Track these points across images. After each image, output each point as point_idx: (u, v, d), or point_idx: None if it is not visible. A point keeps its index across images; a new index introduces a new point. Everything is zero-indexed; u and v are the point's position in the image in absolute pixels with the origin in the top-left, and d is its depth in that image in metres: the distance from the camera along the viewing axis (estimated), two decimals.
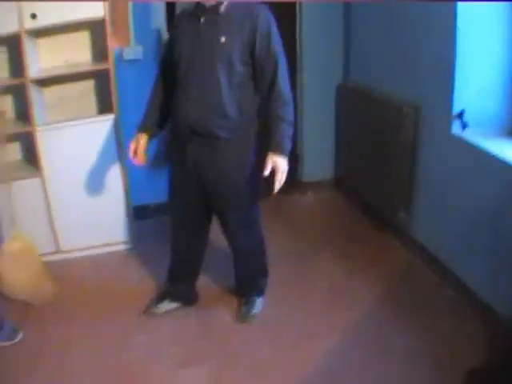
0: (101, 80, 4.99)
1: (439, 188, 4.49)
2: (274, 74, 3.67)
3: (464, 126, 4.17)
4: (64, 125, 4.82)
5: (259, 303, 4.34)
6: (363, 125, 5.47)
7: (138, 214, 5.46)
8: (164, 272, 4.45)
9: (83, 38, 4.95)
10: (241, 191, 3.88)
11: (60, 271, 4.92)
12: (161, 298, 4.40)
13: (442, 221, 4.52)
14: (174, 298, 4.37)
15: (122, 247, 5.30)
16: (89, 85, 5.13)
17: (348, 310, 4.32)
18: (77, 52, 4.94)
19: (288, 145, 3.72)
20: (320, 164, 6.16)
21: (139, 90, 4.97)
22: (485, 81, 4.10)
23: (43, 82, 4.90)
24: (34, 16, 4.45)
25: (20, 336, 4.12)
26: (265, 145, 3.74)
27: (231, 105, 3.65)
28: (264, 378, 3.73)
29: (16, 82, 4.64)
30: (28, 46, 4.54)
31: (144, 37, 5.21)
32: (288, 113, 3.73)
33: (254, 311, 4.29)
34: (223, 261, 4.82)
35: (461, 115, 4.16)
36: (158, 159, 5.39)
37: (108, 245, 5.24)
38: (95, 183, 5.02)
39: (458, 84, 4.10)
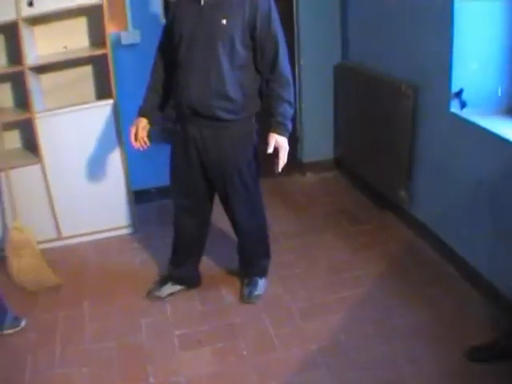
0: (99, 65, 4.98)
1: (439, 166, 4.50)
2: (275, 54, 3.69)
3: (463, 104, 4.17)
4: (63, 111, 4.82)
5: (262, 284, 4.37)
6: (362, 104, 5.47)
7: (138, 198, 5.48)
8: (166, 255, 4.48)
9: (80, 24, 4.94)
10: (242, 170, 3.90)
11: (62, 257, 4.97)
12: (164, 281, 4.43)
13: (442, 198, 4.53)
14: (177, 281, 4.39)
15: (123, 232, 5.31)
16: (87, 70, 5.12)
17: (350, 289, 4.35)
18: (74, 38, 4.93)
19: (289, 124, 3.77)
20: (319, 144, 6.17)
21: (138, 75, 4.97)
22: (483, 60, 4.10)
23: (41, 69, 4.90)
24: (30, 3, 4.45)
25: (23, 323, 4.13)
26: (265, 124, 3.77)
27: (232, 86, 3.66)
28: (268, 358, 3.75)
29: (14, 69, 4.63)
30: (25, 33, 4.53)
31: (141, 21, 5.19)
32: (289, 93, 3.77)
33: (256, 292, 4.31)
34: (225, 243, 4.87)
35: (459, 94, 4.16)
36: (158, 143, 5.41)
37: (109, 230, 5.26)
38: (95, 168, 5.03)
39: (456, 63, 4.10)
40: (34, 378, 3.68)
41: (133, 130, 4.00)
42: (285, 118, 3.74)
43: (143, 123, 4.00)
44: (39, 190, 4.90)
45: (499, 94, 4.16)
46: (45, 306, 4.36)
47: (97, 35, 4.91)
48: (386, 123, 4.97)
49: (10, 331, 4.07)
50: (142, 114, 4.03)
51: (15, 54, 4.65)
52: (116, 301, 4.40)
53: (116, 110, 4.90)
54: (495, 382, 3.41)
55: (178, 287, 4.40)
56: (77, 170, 4.98)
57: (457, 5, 3.96)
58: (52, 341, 4.01)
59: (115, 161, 5.04)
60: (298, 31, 5.78)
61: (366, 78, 5.33)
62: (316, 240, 5.05)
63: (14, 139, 5.10)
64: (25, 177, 4.77)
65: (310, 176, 6.22)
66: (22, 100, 4.81)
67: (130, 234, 5.32)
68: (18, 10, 4.41)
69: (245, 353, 3.80)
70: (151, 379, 3.63)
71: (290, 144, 3.79)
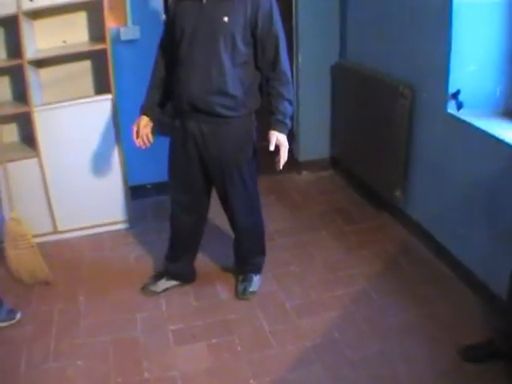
0: (98, 60, 4.98)
1: (435, 167, 4.52)
2: (276, 53, 3.72)
3: (459, 105, 4.18)
4: (61, 105, 4.82)
5: (257, 281, 4.38)
6: (359, 104, 5.49)
7: (134, 193, 5.47)
8: (162, 250, 4.49)
9: (80, 19, 4.94)
10: (242, 167, 3.93)
11: (58, 251, 4.97)
12: (159, 276, 4.44)
13: (438, 199, 4.55)
14: (172, 276, 4.40)
15: (119, 227, 5.32)
16: (86, 65, 5.12)
17: (345, 287, 4.37)
18: (74, 33, 4.93)
19: (289, 122, 3.80)
20: (316, 143, 6.18)
21: (136, 70, 5.02)
22: (480, 61, 4.11)
23: (40, 63, 4.91)
24: None
25: (18, 316, 4.14)
26: (264, 122, 3.79)
27: (233, 83, 3.68)
28: (263, 354, 3.77)
29: (13, 63, 4.63)
30: (25, 27, 4.53)
31: (141, 17, 5.19)
32: (289, 91, 3.81)
33: (251, 288, 4.33)
34: (221, 240, 4.89)
35: (456, 95, 4.18)
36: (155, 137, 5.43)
37: (105, 224, 5.27)
38: (92, 163, 5.03)
39: (453, 64, 4.11)
40: (29, 371, 3.69)
41: (134, 128, 4.02)
42: (285, 116, 3.77)
43: (144, 121, 4.01)
44: (36, 184, 4.90)
45: (498, 94, 4.18)
46: (40, 300, 4.37)
47: (96, 30, 4.91)
48: (383, 123, 4.98)
49: (4, 324, 4.08)
50: (143, 112, 4.04)
51: (15, 47, 4.65)
52: (111, 295, 4.41)
53: (114, 105, 4.91)
54: (489, 381, 3.42)
55: (173, 282, 4.41)
56: (74, 164, 4.98)
57: (455, 6, 3.97)
58: (47, 334, 4.01)
59: (113, 156, 5.05)
60: (297, 30, 5.80)
61: (364, 77, 5.34)
62: (311, 238, 5.06)
63: (11, 133, 5.10)
64: (22, 170, 4.77)
65: (305, 174, 6.24)
66: (21, 94, 4.81)
67: (126, 229, 5.32)
68: (18, 3, 4.40)
69: (239, 349, 3.82)
70: (146, 374, 3.64)
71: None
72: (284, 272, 4.59)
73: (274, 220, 5.15)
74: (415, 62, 4.63)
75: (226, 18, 3.56)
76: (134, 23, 5.19)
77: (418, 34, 4.53)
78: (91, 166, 5.03)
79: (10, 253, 4.49)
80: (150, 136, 4.03)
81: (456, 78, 4.15)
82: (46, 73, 5.01)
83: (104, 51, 4.74)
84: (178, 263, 4.36)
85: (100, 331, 4.03)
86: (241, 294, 4.32)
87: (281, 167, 3.78)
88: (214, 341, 3.90)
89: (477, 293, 4.14)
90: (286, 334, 3.93)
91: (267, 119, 3.78)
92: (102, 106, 4.90)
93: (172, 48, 3.80)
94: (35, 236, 4.67)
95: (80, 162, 4.99)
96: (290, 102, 3.81)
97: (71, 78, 5.07)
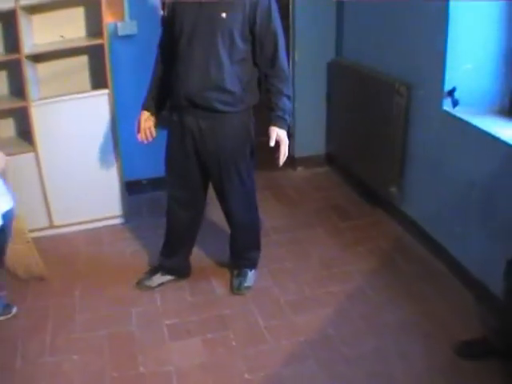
0: (95, 55, 4.98)
1: (430, 164, 4.53)
2: (275, 50, 3.74)
3: (455, 103, 4.19)
4: (58, 100, 4.82)
5: (252, 276, 4.40)
6: (355, 101, 5.50)
7: (131, 189, 5.49)
8: (157, 245, 4.50)
9: (78, 14, 4.94)
10: (239, 163, 3.95)
11: (54, 246, 4.98)
12: (154, 271, 4.45)
13: (433, 196, 4.57)
14: (167, 271, 4.41)
15: (115, 222, 5.33)
16: (83, 60, 5.12)
17: (340, 284, 4.38)
18: (71, 28, 4.94)
19: (289, 118, 3.83)
20: (311, 139, 6.19)
21: (133, 66, 5.03)
22: (477, 59, 4.12)
23: (37, 58, 4.90)
24: None
25: (14, 311, 4.15)
26: (261, 117, 3.81)
27: (231, 79, 3.69)
28: (257, 349, 3.78)
29: (11, 57, 4.64)
30: (23, 22, 4.53)
31: (139, 12, 5.20)
32: (288, 87, 3.85)
33: (246, 283, 4.34)
34: (216, 235, 4.91)
35: (452, 92, 4.19)
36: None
37: (101, 219, 5.28)
38: (89, 158, 5.03)
39: (449, 62, 4.13)
40: (25, 366, 3.69)
41: (137, 123, 4.07)
42: (285, 112, 3.80)
43: (145, 116, 4.05)
44: (32, 179, 4.90)
45: (493, 92, 4.20)
46: (36, 295, 4.37)
47: (94, 25, 4.91)
48: (379, 120, 4.99)
49: (0, 318, 4.08)
50: (144, 107, 4.07)
51: (12, 42, 4.65)
52: (107, 290, 4.41)
53: (111, 101, 4.91)
54: (484, 378, 3.44)
55: (169, 277, 4.43)
56: (70, 159, 4.98)
57: (452, 4, 3.99)
58: (43, 329, 4.02)
59: (109, 151, 5.06)
60: (293, 27, 5.80)
61: (360, 74, 5.35)
62: (306, 235, 5.07)
63: (8, 127, 5.11)
64: (18, 165, 4.77)
65: (301, 171, 6.25)
66: (18, 88, 4.81)
67: (122, 225, 5.33)
68: None
69: (234, 344, 3.83)
70: (141, 368, 3.65)
71: None
72: (279, 268, 4.61)
73: (269, 216, 5.16)
74: (411, 60, 4.64)
75: (224, 15, 3.57)
76: (131, 18, 5.20)
77: (414, 31, 4.54)
78: (88, 160, 5.04)
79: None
80: (153, 130, 4.08)
81: (452, 76, 4.16)
82: (43, 67, 5.01)
83: (101, 46, 4.75)
84: (173, 258, 4.37)
85: (95, 326, 4.04)
86: (236, 288, 4.33)
87: (281, 163, 3.81)
88: (208, 336, 3.91)
89: (472, 290, 4.15)
90: (281, 329, 3.94)
91: (265, 115, 3.80)
92: (99, 101, 4.90)
93: (171, 44, 3.81)
94: (31, 231, 4.65)
95: (76, 157, 5.00)
96: (289, 98, 3.84)
97: (68, 73, 5.07)
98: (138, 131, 4.07)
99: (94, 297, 4.34)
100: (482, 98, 4.22)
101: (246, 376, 3.55)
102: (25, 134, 4.96)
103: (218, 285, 4.43)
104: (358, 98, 5.42)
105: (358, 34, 5.57)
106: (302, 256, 4.77)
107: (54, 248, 4.93)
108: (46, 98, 4.85)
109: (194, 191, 4.11)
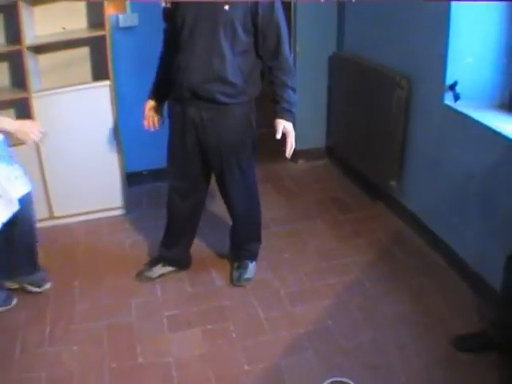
0: (96, 47, 4.99)
1: (430, 158, 4.54)
2: (278, 42, 3.74)
3: (456, 97, 4.19)
4: (59, 91, 4.83)
5: (252, 267, 4.41)
6: (356, 94, 5.50)
7: (130, 180, 5.49)
8: (157, 237, 4.51)
9: (79, 6, 4.94)
10: (240, 154, 3.96)
11: (54, 237, 4.99)
12: (155, 262, 4.46)
13: (433, 190, 4.57)
14: (168, 262, 4.42)
15: (115, 213, 5.33)
16: (84, 52, 5.12)
17: (339, 275, 4.39)
18: (73, 19, 4.94)
19: (295, 110, 3.87)
20: (312, 132, 6.18)
21: (134, 58, 5.03)
22: (478, 53, 4.12)
23: (39, 49, 4.91)
24: None
25: (14, 302, 4.16)
26: (264, 109, 3.82)
27: (233, 71, 3.69)
28: (257, 340, 3.80)
29: (12, 48, 4.64)
30: (25, 13, 4.54)
31: (140, 4, 5.19)
32: (293, 80, 3.86)
33: (246, 275, 4.35)
34: (217, 227, 4.92)
35: (453, 86, 4.19)
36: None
37: (102, 210, 5.29)
38: (89, 149, 5.03)
39: (451, 56, 4.13)
40: (24, 356, 3.71)
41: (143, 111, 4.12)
42: (290, 104, 3.83)
43: (150, 105, 4.09)
44: (33, 170, 4.87)
45: (494, 87, 4.20)
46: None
47: (95, 17, 4.92)
48: (380, 113, 5.00)
49: (1, 309, 4.09)
50: (149, 96, 4.11)
51: (13, 33, 4.66)
52: (106, 281, 4.43)
53: (112, 92, 4.91)
54: (481, 371, 3.45)
55: (169, 268, 4.44)
56: (71, 150, 4.99)
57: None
58: (42, 319, 4.03)
59: (110, 142, 5.06)
60: (295, 20, 5.80)
61: (361, 68, 5.34)
62: (306, 227, 5.09)
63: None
64: (19, 156, 4.76)
65: (301, 163, 6.25)
66: (19, 79, 4.80)
67: (122, 216, 5.34)
68: None
69: (234, 335, 3.85)
70: (140, 359, 3.67)
71: None
72: (279, 260, 4.62)
73: (269, 208, 5.14)
74: (413, 53, 4.64)
75: (226, 7, 3.57)
76: (132, 11, 5.19)
77: (416, 25, 4.54)
78: (88, 152, 5.04)
79: None
80: (155, 119, 4.12)
81: (453, 70, 4.16)
82: (44, 59, 5.01)
83: (103, 38, 4.75)
84: (173, 249, 4.38)
85: (95, 316, 4.06)
86: (236, 280, 4.34)
87: (289, 155, 3.85)
88: (208, 327, 3.93)
89: (470, 284, 4.17)
90: (280, 320, 3.96)
91: (265, 107, 3.80)
92: (100, 93, 4.91)
93: (173, 35, 3.81)
94: None
95: (77, 148, 5.01)
96: (294, 90, 3.86)
97: (70, 65, 5.08)
98: (144, 118, 4.11)
99: (94, 287, 4.36)
100: (483, 92, 4.22)
101: (246, 367, 3.57)
102: None
103: (218, 276, 4.45)
104: (359, 92, 5.42)
105: (359, 27, 5.57)
106: (302, 248, 4.78)
107: (54, 239, 4.95)
108: (47, 90, 4.85)
109: (195, 182, 4.12)
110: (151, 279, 4.39)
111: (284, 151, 3.85)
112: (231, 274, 4.41)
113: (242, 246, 4.42)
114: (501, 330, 3.48)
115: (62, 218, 5.19)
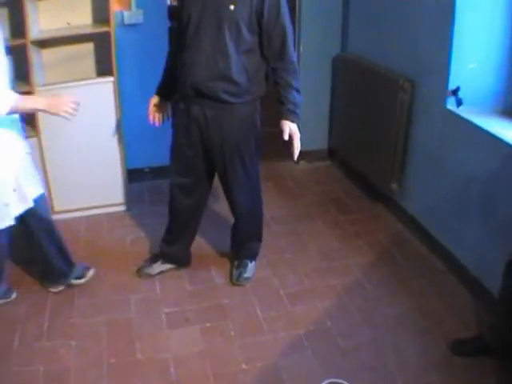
0: (100, 43, 4.99)
1: (432, 161, 4.54)
2: (283, 43, 3.74)
3: (459, 102, 4.20)
4: (63, 86, 4.81)
5: (252, 267, 4.42)
6: (358, 96, 5.50)
7: (132, 177, 5.49)
8: (157, 233, 4.52)
9: (84, 1, 4.95)
10: (244, 153, 3.96)
11: None
12: (155, 258, 4.47)
13: (433, 193, 4.58)
14: (168, 260, 4.43)
15: (116, 209, 5.34)
16: (88, 47, 5.13)
17: (339, 276, 4.41)
18: (78, 15, 4.95)
19: (299, 112, 3.87)
20: (314, 133, 6.17)
21: (138, 54, 5.03)
22: (481, 59, 4.13)
23: (43, 44, 4.92)
24: None
25: (14, 295, 4.17)
26: (269, 109, 3.83)
27: (238, 70, 3.69)
28: (255, 339, 3.81)
29: (16, 42, 4.63)
30: (29, 7, 4.54)
31: (145, 1, 5.19)
32: (297, 81, 3.86)
33: (246, 274, 4.36)
34: (217, 225, 4.94)
35: (456, 91, 4.19)
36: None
37: (103, 206, 5.29)
38: (91, 145, 5.04)
39: (454, 60, 4.13)
40: (22, 349, 3.72)
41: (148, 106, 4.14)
42: (295, 106, 3.83)
43: (155, 100, 4.11)
44: (34, 164, 4.89)
45: (498, 92, 4.21)
46: (35, 279, 4.37)
47: (100, 13, 4.93)
48: (382, 116, 5.00)
49: (0, 302, 4.10)
50: (155, 92, 4.13)
51: (18, 27, 4.64)
52: (106, 277, 4.43)
53: (116, 88, 4.92)
54: (477, 375, 3.46)
55: (169, 266, 4.45)
56: (73, 145, 4.99)
57: (458, 2, 3.99)
58: (41, 313, 4.04)
59: (112, 138, 5.06)
60: (299, 22, 5.80)
61: (365, 70, 5.35)
62: (307, 227, 5.10)
63: None
64: None
65: (303, 164, 6.24)
66: (23, 73, 4.79)
67: (123, 212, 5.35)
68: None
69: (232, 333, 3.86)
70: (138, 355, 3.68)
71: None
72: (279, 259, 4.63)
73: (270, 207, 5.15)
74: (416, 57, 4.64)
75: (232, 7, 3.57)
76: (137, 7, 5.19)
77: (420, 28, 4.55)
78: (90, 147, 5.04)
79: None
80: (158, 115, 4.14)
81: (456, 75, 4.17)
82: (48, 53, 5.02)
83: (107, 34, 4.76)
84: (174, 247, 4.39)
85: (94, 312, 4.07)
86: (235, 279, 4.35)
87: (296, 157, 3.88)
88: (207, 325, 3.93)
89: (469, 288, 4.18)
90: (279, 320, 3.97)
91: (269, 106, 3.81)
92: (103, 89, 4.91)
93: (179, 33, 3.81)
94: None
95: (79, 144, 5.01)
96: (299, 92, 3.86)
97: (74, 60, 5.08)
98: (150, 113, 4.13)
99: (94, 283, 4.35)
100: (486, 98, 4.23)
101: (244, 366, 3.58)
102: (28, 119, 4.95)
103: (218, 274, 4.45)
104: (361, 94, 5.43)
105: (363, 29, 5.58)
106: (302, 248, 4.79)
107: None
108: (50, 84, 4.85)
109: (198, 179, 4.11)
110: (151, 276, 4.40)
111: (287, 152, 3.85)
112: (231, 272, 4.42)
113: (243, 244, 4.42)
114: (498, 335, 3.49)
115: (63, 213, 5.17)
